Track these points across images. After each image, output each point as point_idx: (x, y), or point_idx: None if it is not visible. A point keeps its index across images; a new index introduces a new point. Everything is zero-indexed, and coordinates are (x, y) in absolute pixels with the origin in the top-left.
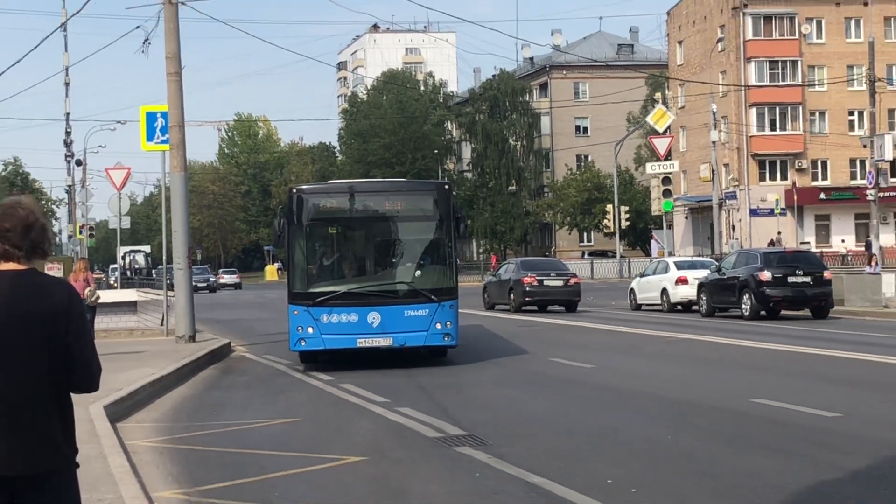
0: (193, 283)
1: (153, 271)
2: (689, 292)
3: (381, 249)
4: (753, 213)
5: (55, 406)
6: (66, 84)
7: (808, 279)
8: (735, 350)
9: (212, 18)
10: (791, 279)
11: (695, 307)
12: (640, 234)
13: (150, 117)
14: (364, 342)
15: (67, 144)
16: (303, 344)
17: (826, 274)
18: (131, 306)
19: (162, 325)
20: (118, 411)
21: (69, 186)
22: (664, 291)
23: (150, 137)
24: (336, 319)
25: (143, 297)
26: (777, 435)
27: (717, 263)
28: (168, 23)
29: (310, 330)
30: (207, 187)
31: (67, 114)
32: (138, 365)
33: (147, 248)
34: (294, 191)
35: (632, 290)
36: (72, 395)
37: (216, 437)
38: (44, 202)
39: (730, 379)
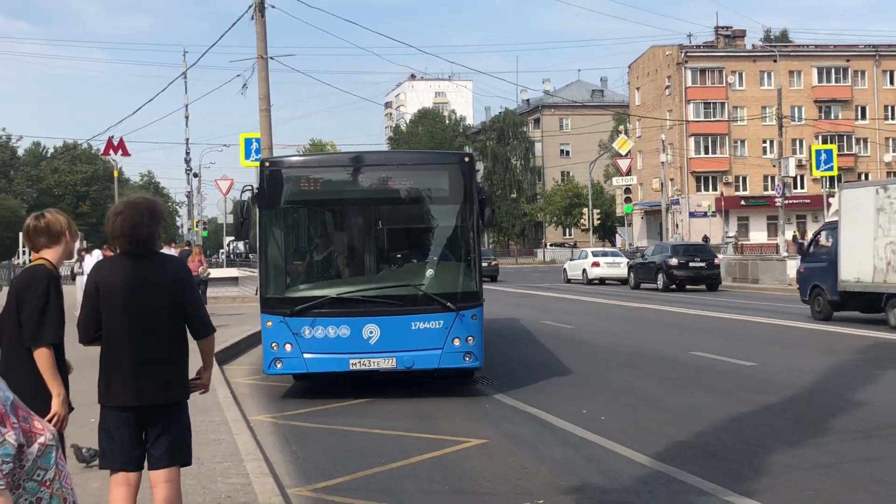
0: None
1: (249, 255)
2: (599, 272)
3: (381, 241)
4: (692, 215)
5: (180, 352)
6: (186, 117)
7: (703, 264)
8: (673, 315)
9: (292, 69)
10: (691, 264)
11: (608, 282)
12: (608, 230)
13: (248, 142)
14: (358, 364)
15: (187, 161)
16: (278, 366)
17: (716, 260)
18: (234, 280)
19: (256, 294)
20: (224, 357)
21: (188, 192)
22: (584, 271)
23: (247, 156)
24: (322, 334)
25: (242, 274)
26: (709, 378)
27: (640, 252)
28: (260, 72)
29: (287, 347)
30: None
31: (187, 139)
32: (238, 324)
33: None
34: (266, 164)
35: (564, 269)
36: (198, 341)
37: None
38: (169, 204)
39: (673, 337)
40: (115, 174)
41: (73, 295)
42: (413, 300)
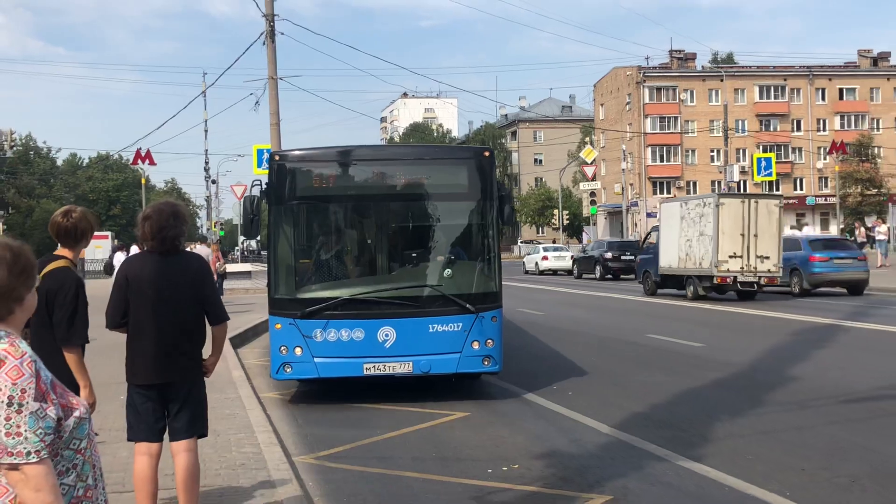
0: None
1: (262, 252)
2: (548, 264)
3: (396, 239)
4: (649, 215)
5: (198, 338)
6: (205, 130)
7: (632, 257)
8: (623, 302)
9: (300, 89)
10: (623, 257)
11: (559, 273)
12: (576, 229)
13: (260, 152)
14: (373, 368)
15: (206, 169)
16: (287, 371)
17: None
18: (247, 274)
19: (267, 286)
20: (238, 341)
21: (207, 197)
22: (536, 263)
23: (259, 165)
24: (334, 337)
25: (255, 269)
26: (663, 358)
27: (582, 247)
28: (271, 91)
29: (297, 351)
30: None
31: (206, 150)
32: (251, 312)
33: (258, 237)
34: (277, 157)
35: (523, 262)
36: (213, 328)
37: None
38: (190, 207)
39: (629, 321)
40: (143, 181)
41: (107, 287)
42: (431, 301)
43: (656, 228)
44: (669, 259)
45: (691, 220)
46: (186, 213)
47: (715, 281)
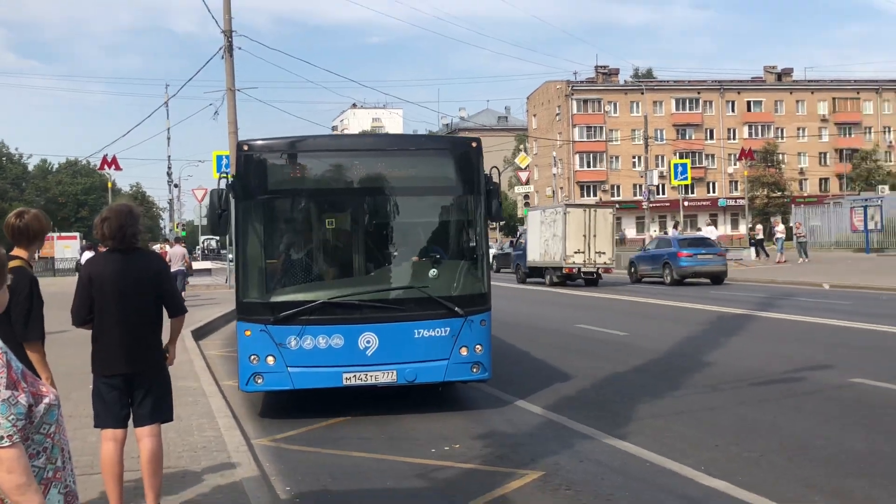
0: None
1: (221, 251)
2: None
3: (377, 237)
4: None
5: (157, 329)
6: (168, 138)
7: None
8: (551, 294)
9: (256, 100)
10: None
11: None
12: (511, 229)
13: (219, 158)
14: (353, 378)
15: (169, 174)
16: (258, 382)
17: None
18: (208, 271)
19: (226, 282)
20: (200, 334)
21: (170, 200)
22: None
23: (218, 170)
24: (310, 344)
25: (215, 266)
26: (589, 345)
27: (499, 245)
28: (229, 102)
29: (270, 360)
30: None
31: (169, 156)
32: (212, 306)
33: (217, 237)
34: (245, 147)
35: None
36: (171, 319)
37: None
38: (154, 209)
39: (559, 313)
40: (109, 185)
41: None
42: (416, 304)
43: (525, 231)
44: (534, 255)
45: (548, 224)
46: (140, 213)
47: (563, 271)
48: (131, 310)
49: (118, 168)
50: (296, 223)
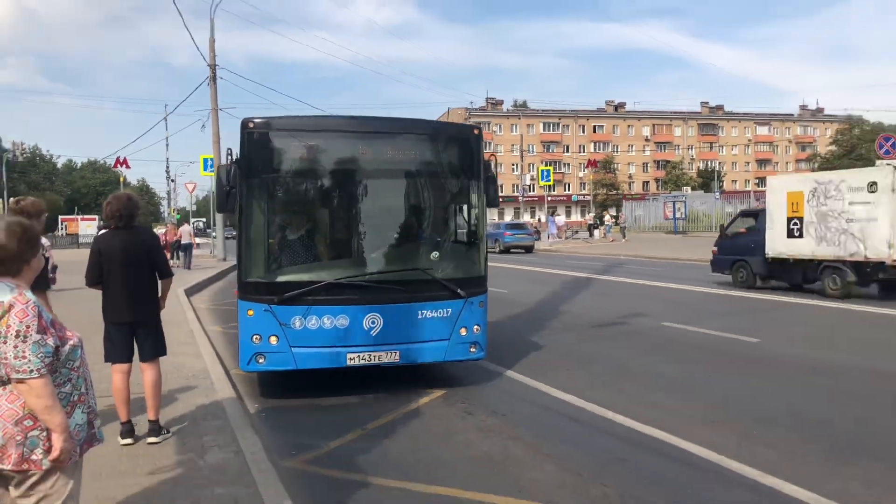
0: (225, 235)
1: (208, 229)
2: None
3: (381, 219)
4: None
5: (153, 287)
6: (167, 145)
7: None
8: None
9: (235, 117)
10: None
11: None
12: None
13: (205, 160)
14: (357, 358)
15: (167, 171)
16: (260, 362)
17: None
18: (196, 245)
19: (210, 253)
20: (190, 292)
21: (167, 191)
22: None
23: (205, 169)
24: (315, 324)
25: (202, 241)
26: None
27: None
28: (213, 118)
29: (272, 340)
30: None
31: (167, 157)
32: (200, 271)
33: (204, 219)
34: (250, 125)
35: None
36: (161, 280)
37: (234, 304)
38: (155, 199)
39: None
40: (121, 179)
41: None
42: (421, 286)
43: (748, 213)
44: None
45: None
46: (138, 199)
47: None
48: (131, 273)
49: (128, 167)
50: (300, 203)
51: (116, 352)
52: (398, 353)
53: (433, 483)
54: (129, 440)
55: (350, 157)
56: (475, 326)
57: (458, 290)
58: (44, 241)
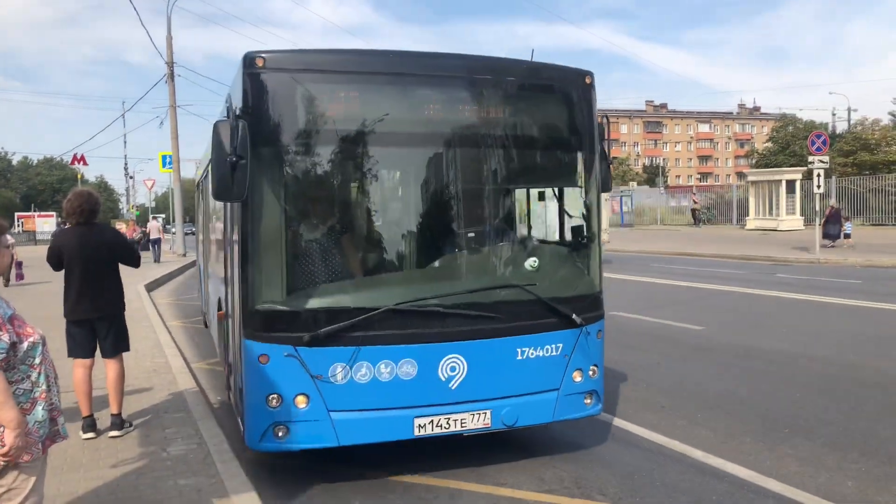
0: (185, 231)
1: (167, 226)
2: None
3: (457, 211)
4: None
5: (117, 283)
6: (125, 142)
7: None
8: None
9: (192, 113)
10: None
11: None
12: None
13: (164, 157)
14: (429, 425)
15: (126, 168)
16: (281, 436)
17: None
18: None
19: (171, 249)
20: (151, 287)
21: (126, 188)
22: None
23: (164, 165)
24: (366, 375)
25: (163, 237)
26: None
27: None
28: (171, 115)
29: (300, 402)
30: (191, 189)
31: (125, 154)
32: (161, 267)
33: (163, 215)
34: (258, 62)
35: None
36: (125, 275)
37: (193, 299)
38: (114, 196)
39: None
40: (79, 177)
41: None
42: (519, 311)
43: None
44: None
45: None
46: (98, 197)
47: None
48: (91, 270)
49: (85, 163)
50: (336, 186)
51: (77, 348)
52: (489, 415)
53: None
54: (91, 434)
55: (409, 113)
56: (592, 368)
57: (573, 315)
58: (8, 237)
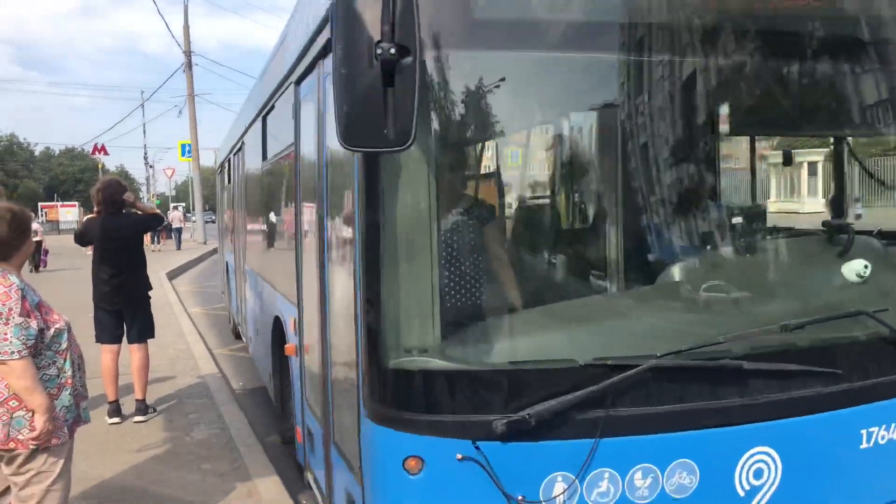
0: (204, 219)
1: (187, 214)
2: None
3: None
4: None
5: (144, 271)
6: (144, 131)
7: None
8: None
9: (211, 102)
10: None
11: None
12: None
13: (183, 146)
14: None
15: (145, 157)
16: None
17: None
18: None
19: (191, 237)
20: (173, 275)
21: (147, 177)
22: None
23: (183, 154)
24: (607, 496)
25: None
26: None
27: None
28: (190, 103)
29: None
30: (210, 178)
31: (145, 144)
32: (182, 254)
33: (183, 204)
34: None
35: None
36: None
37: (214, 287)
38: (135, 185)
39: None
40: (100, 166)
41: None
42: (868, 360)
43: None
44: None
45: None
46: (126, 186)
47: None
48: (119, 259)
49: (106, 153)
50: (581, 138)
51: (105, 334)
52: None
53: None
54: (116, 419)
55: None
56: None
57: None
58: (36, 225)
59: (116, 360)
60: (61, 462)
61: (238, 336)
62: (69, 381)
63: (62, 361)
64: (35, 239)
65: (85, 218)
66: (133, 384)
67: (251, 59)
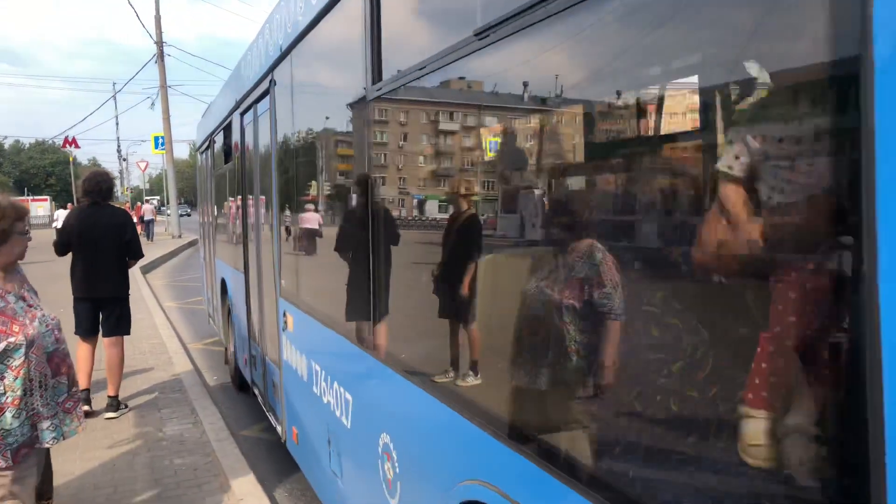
0: (179, 213)
1: (161, 207)
2: None
3: None
4: None
5: (121, 266)
6: (117, 123)
7: None
8: None
9: (183, 94)
10: None
11: None
12: None
13: (156, 139)
14: None
15: (118, 150)
16: None
17: None
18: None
19: (166, 231)
20: (146, 269)
21: (119, 170)
22: None
23: (156, 147)
24: None
25: (158, 218)
26: None
27: None
28: (162, 94)
29: None
30: (185, 170)
31: (118, 136)
32: (155, 248)
33: (157, 197)
34: None
35: None
36: (128, 261)
37: (188, 280)
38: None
39: None
40: (71, 160)
41: (49, 235)
42: None
43: None
44: None
45: None
46: (113, 179)
47: None
48: (100, 249)
49: (77, 146)
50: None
51: (82, 326)
52: None
53: None
54: (85, 407)
55: None
56: None
57: None
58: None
59: (93, 351)
60: (1, 491)
61: (227, 361)
62: (16, 401)
63: (12, 379)
64: None
65: (58, 212)
66: (106, 380)
67: (223, 48)
